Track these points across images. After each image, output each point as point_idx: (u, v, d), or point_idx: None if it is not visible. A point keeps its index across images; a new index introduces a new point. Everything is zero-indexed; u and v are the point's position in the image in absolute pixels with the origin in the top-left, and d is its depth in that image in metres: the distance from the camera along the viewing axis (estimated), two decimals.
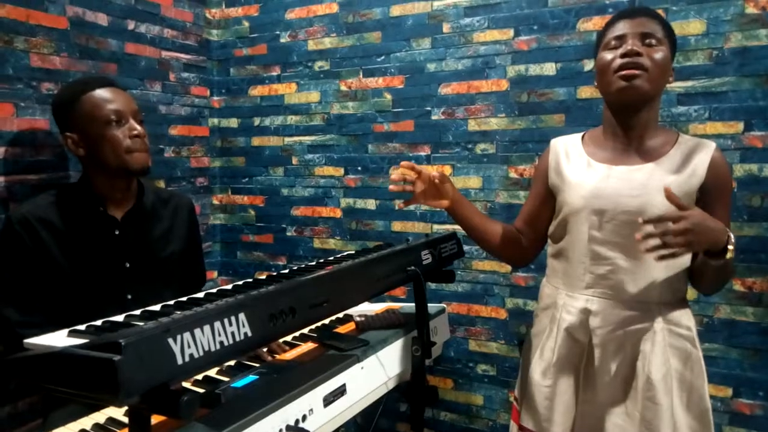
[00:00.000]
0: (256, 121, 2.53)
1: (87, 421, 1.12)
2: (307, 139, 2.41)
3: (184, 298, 1.13)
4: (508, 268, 2.06)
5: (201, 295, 1.16)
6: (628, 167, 1.29)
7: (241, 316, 0.91)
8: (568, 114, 1.94)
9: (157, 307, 1.06)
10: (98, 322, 0.97)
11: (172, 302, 1.11)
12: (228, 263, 2.65)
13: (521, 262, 1.60)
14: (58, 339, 0.91)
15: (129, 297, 1.55)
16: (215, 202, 2.62)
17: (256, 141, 2.54)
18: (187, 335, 0.81)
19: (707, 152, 1.26)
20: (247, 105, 2.54)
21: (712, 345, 1.79)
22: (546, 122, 1.97)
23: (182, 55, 2.37)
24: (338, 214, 2.37)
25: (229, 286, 1.22)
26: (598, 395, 1.31)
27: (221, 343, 0.86)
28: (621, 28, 1.26)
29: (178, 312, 0.94)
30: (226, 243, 2.65)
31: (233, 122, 2.58)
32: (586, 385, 1.33)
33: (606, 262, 1.28)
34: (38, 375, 0.80)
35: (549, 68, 1.96)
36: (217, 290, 1.18)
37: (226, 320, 0.88)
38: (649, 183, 1.25)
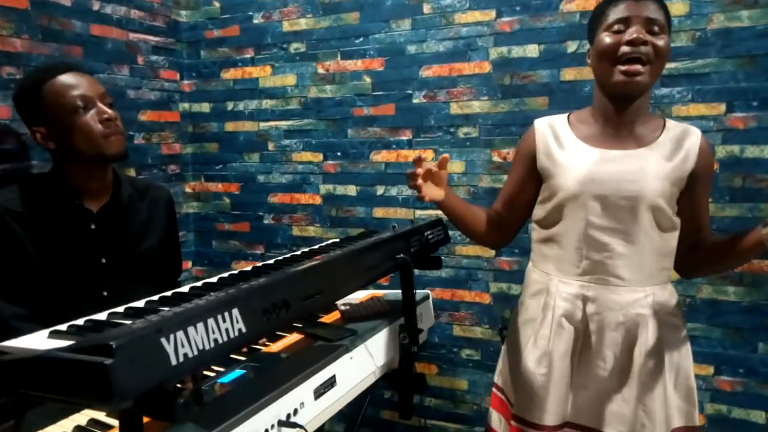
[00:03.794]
0: (230, 105, 2.45)
1: (68, 423, 1.06)
2: (284, 124, 2.35)
3: (169, 293, 1.08)
4: (492, 252, 2.05)
5: (185, 289, 1.11)
6: (622, 152, 1.26)
7: (235, 311, 0.86)
8: (552, 96, 1.92)
9: (140, 304, 1.01)
10: (80, 321, 0.91)
11: (156, 297, 1.05)
12: (203, 253, 2.58)
13: (500, 245, 1.58)
14: (38, 341, 0.85)
15: (105, 294, 1.48)
16: (188, 190, 2.54)
17: (230, 126, 2.46)
18: (180, 334, 0.76)
19: (695, 138, 1.27)
20: (219, 89, 2.45)
21: (694, 324, 1.82)
22: (529, 105, 1.95)
23: (150, 37, 2.27)
24: (318, 200, 2.32)
25: (214, 279, 1.17)
26: (593, 382, 1.30)
27: (215, 340, 0.82)
28: (624, 9, 1.20)
29: (165, 308, 0.89)
30: (200, 232, 2.57)
31: (205, 107, 2.49)
32: (580, 372, 1.32)
33: (604, 248, 1.26)
34: (18, 381, 0.74)
35: (532, 50, 1.94)
36: (203, 284, 1.13)
37: (219, 317, 0.84)
38: (646, 168, 1.23)
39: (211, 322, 0.82)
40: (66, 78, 1.40)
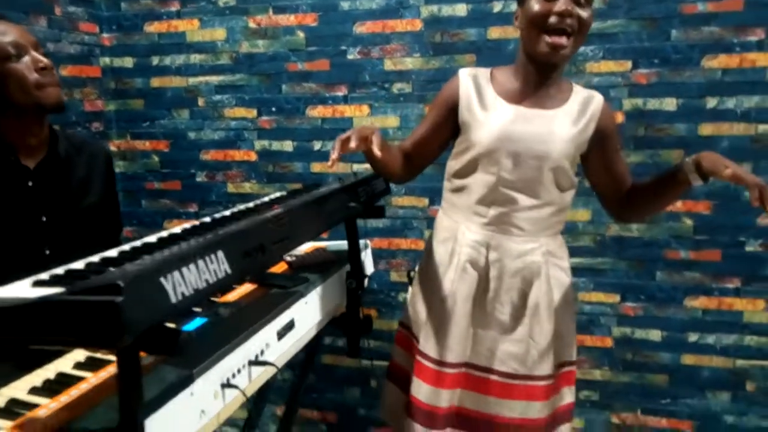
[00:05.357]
0: (155, 60, 2.37)
1: (35, 379, 1.06)
2: (214, 79, 2.32)
3: (138, 243, 1.10)
4: (426, 202, 2.18)
5: (153, 239, 1.14)
6: (536, 111, 1.34)
7: (220, 253, 0.92)
8: (479, 54, 2.04)
9: (113, 253, 1.03)
10: (60, 271, 0.93)
11: (127, 248, 1.08)
12: (132, 213, 2.52)
13: (401, 180, 1.58)
14: (23, 290, 0.87)
15: (47, 252, 1.46)
16: (113, 148, 2.46)
17: (156, 82, 2.39)
18: (176, 274, 0.81)
19: (597, 103, 1.38)
20: (142, 43, 2.37)
21: (604, 259, 2.05)
22: (459, 62, 2.06)
23: None
24: (253, 157, 2.34)
25: (178, 230, 1.20)
26: (492, 324, 1.41)
27: (206, 281, 0.87)
28: None
29: (147, 256, 0.93)
30: (128, 192, 2.51)
31: (128, 61, 2.40)
32: (481, 316, 1.42)
33: (510, 202, 1.36)
34: (15, 328, 0.76)
35: (460, 9, 2.04)
36: (169, 234, 1.16)
37: (207, 258, 0.89)
38: (554, 130, 1.33)
39: (201, 263, 0.87)
40: None
